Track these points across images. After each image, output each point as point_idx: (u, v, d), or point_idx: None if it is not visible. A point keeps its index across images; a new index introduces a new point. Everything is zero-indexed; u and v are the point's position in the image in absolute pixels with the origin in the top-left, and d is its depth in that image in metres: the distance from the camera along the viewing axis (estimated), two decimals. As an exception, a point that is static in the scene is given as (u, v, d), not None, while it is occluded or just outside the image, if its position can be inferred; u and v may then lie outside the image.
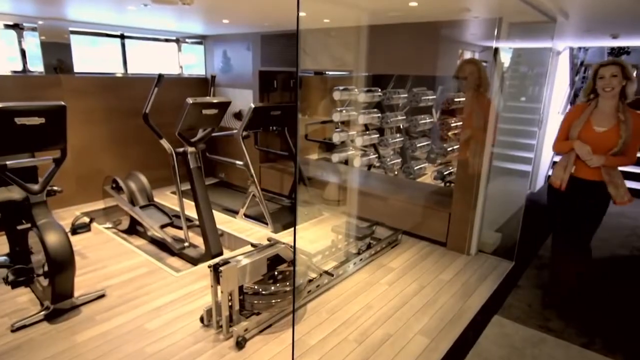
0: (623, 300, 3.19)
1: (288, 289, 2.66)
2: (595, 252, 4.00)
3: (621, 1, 2.99)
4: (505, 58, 3.95)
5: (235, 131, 4.40)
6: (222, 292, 2.45)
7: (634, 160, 2.62)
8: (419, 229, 4.04)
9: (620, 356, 2.49)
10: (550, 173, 3.30)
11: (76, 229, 3.37)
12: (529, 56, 5.67)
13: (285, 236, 3.97)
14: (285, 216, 4.64)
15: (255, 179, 4.36)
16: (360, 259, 3.46)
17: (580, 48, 8.21)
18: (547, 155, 6.41)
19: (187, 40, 5.75)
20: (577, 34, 5.01)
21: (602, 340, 2.63)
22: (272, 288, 2.63)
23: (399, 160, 4.87)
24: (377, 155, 4.77)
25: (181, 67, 5.82)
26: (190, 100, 3.37)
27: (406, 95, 4.82)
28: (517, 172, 5.16)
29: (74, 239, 3.46)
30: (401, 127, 4.88)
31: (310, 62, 5.04)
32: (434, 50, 3.96)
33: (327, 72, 5.98)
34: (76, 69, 4.58)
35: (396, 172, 4.84)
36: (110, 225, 4.24)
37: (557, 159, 2.97)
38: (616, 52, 8.53)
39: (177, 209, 3.90)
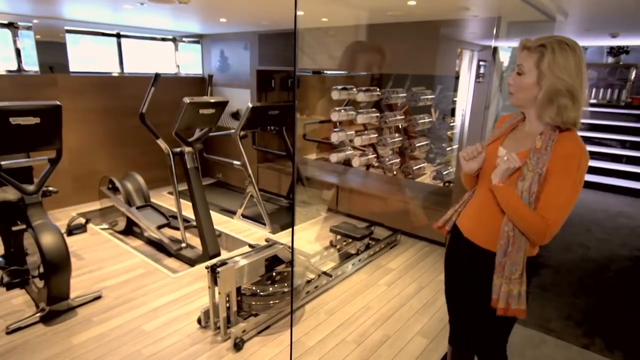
0: (623, 300, 3.17)
1: (286, 290, 2.64)
2: (594, 252, 4.00)
3: (621, 0, 2.98)
4: (505, 57, 3.94)
5: (232, 131, 4.37)
6: (219, 293, 2.42)
7: (550, 226, 1.32)
8: (418, 230, 4.02)
9: (621, 356, 2.48)
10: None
11: (72, 230, 3.33)
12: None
13: (284, 237, 3.94)
14: (284, 217, 4.62)
15: (253, 179, 4.33)
16: (359, 260, 3.44)
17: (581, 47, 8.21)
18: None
19: (184, 39, 5.72)
20: (576, 33, 5.00)
21: (602, 341, 2.61)
22: (270, 289, 2.61)
23: (397, 160, 4.85)
24: (375, 155, 4.75)
25: (178, 66, 5.78)
26: (187, 100, 3.34)
27: (405, 94, 4.80)
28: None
29: (69, 240, 3.42)
30: (400, 126, 4.86)
31: (309, 61, 5.02)
32: (432, 49, 3.95)
33: (325, 72, 5.96)
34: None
35: (395, 172, 4.82)
36: (106, 226, 4.21)
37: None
38: (615, 51, 8.53)
39: (174, 209, 3.87)
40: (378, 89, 4.64)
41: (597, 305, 3.07)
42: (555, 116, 1.30)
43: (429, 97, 4.86)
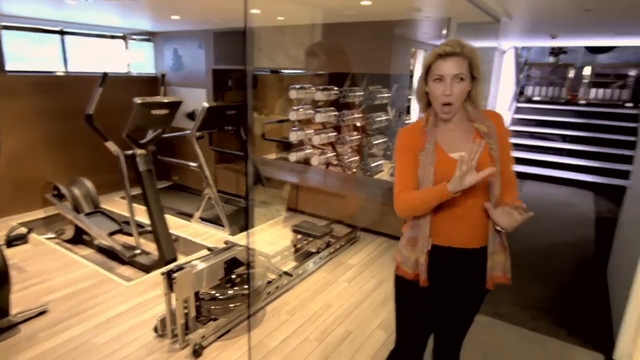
0: (568, 284, 3.38)
1: (246, 292, 2.60)
2: (541, 241, 4.25)
3: (557, 4, 3.18)
4: None
5: (188, 132, 4.25)
6: (176, 299, 2.35)
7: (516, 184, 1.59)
8: (377, 225, 4.09)
9: (565, 334, 2.64)
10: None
11: (11, 241, 3.11)
12: (484, 56, 5.89)
13: (243, 238, 3.88)
14: (243, 218, 4.54)
15: (211, 181, 4.23)
16: (320, 258, 3.45)
17: (524, 47, 8.70)
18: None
19: (134, 36, 5.49)
20: (521, 33, 5.28)
21: (548, 322, 2.78)
22: (230, 292, 2.56)
23: (356, 158, 4.91)
24: (335, 154, 4.78)
25: (129, 65, 5.54)
26: (138, 100, 3.21)
27: (362, 93, 4.86)
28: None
29: (9, 252, 3.20)
30: (357, 125, 4.93)
31: (267, 60, 4.97)
32: (388, 48, 4.02)
33: (283, 71, 5.93)
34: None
35: (354, 170, 4.88)
36: (52, 236, 3.96)
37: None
38: (556, 51, 9.09)
39: (128, 214, 3.71)
40: (336, 88, 4.68)
41: (544, 289, 3.26)
42: (480, 99, 1.49)
43: (386, 95, 4.95)
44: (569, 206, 5.47)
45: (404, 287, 1.63)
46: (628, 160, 5.97)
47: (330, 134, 4.67)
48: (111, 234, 3.52)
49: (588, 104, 8.07)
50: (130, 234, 3.67)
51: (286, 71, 5.91)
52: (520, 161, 7.01)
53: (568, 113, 7.67)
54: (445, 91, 1.38)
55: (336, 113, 4.63)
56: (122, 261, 3.55)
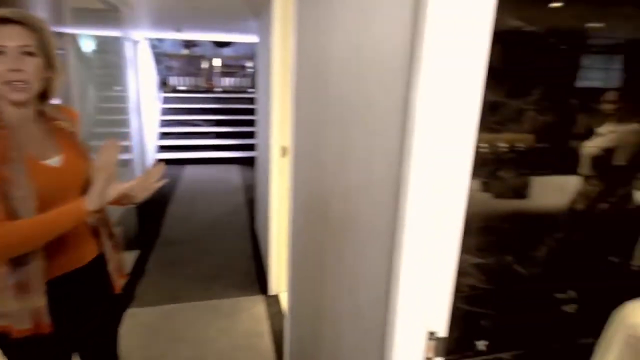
0: (231, 248, 3.93)
1: None
2: (204, 217, 4.70)
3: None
4: (89, 46, 3.70)
5: None
6: None
7: None
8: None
9: (235, 290, 3.09)
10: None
11: None
12: (115, 45, 5.60)
13: None
14: None
15: None
16: None
17: (159, 39, 9.00)
18: (149, 142, 6.79)
19: None
20: (148, 24, 5.39)
21: (220, 286, 3.15)
22: None
23: None
24: None
25: None
26: None
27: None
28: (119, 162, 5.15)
29: None
30: None
31: None
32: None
33: None
34: None
35: None
36: None
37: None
38: (189, 44, 9.94)
39: None
40: None
41: (213, 259, 3.65)
42: (57, 90, 1.21)
43: None
44: (222, 182, 6.31)
45: (19, 350, 1.18)
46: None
47: None
48: None
49: (223, 91, 9.41)
50: None
51: None
52: (176, 149, 7.42)
53: (208, 100, 8.68)
54: (12, 66, 1.04)
55: None
56: None
